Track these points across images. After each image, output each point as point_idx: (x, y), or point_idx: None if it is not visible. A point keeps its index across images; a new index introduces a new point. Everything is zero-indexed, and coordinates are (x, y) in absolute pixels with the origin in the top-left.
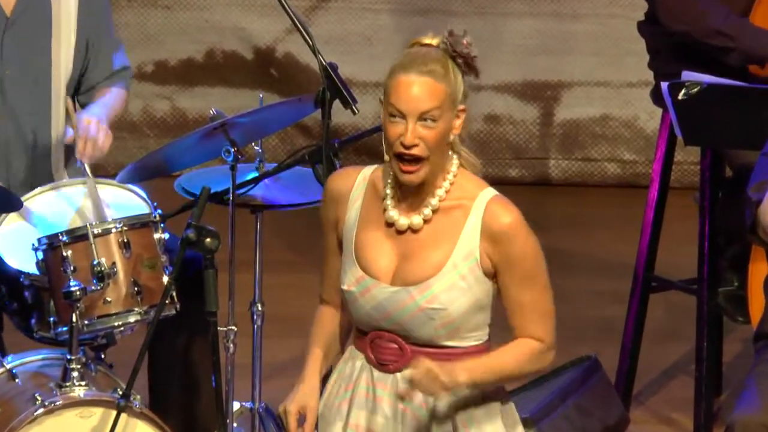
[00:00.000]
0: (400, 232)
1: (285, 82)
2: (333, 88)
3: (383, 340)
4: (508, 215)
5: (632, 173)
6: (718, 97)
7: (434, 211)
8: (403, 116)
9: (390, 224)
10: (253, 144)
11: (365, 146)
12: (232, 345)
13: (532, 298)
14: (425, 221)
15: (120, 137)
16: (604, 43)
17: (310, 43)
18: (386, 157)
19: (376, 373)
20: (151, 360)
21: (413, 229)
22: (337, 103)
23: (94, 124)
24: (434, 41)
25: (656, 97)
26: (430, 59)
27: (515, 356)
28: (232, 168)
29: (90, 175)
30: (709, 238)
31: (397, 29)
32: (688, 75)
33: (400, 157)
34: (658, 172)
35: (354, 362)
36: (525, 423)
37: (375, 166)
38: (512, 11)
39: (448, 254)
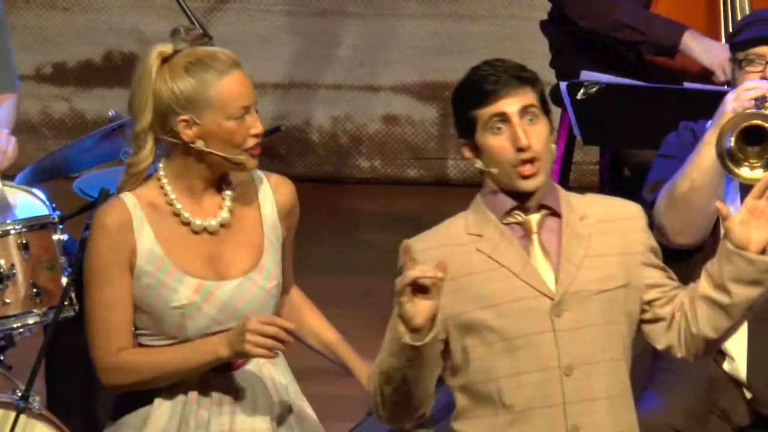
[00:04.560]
0: (212, 233)
1: None
2: None
3: None
4: (289, 183)
5: None
6: (616, 96)
7: (233, 200)
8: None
9: (198, 231)
10: None
11: (263, 147)
12: None
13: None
14: (231, 212)
15: (18, 139)
16: (503, 43)
17: (208, 44)
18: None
19: (211, 381)
20: (49, 361)
21: (224, 225)
22: None
23: (4, 136)
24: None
25: (555, 96)
26: None
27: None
28: None
29: None
30: None
31: (295, 31)
32: (586, 75)
33: None
34: (557, 172)
35: (168, 403)
36: (424, 423)
37: (130, 192)
38: (410, 12)
39: (261, 233)
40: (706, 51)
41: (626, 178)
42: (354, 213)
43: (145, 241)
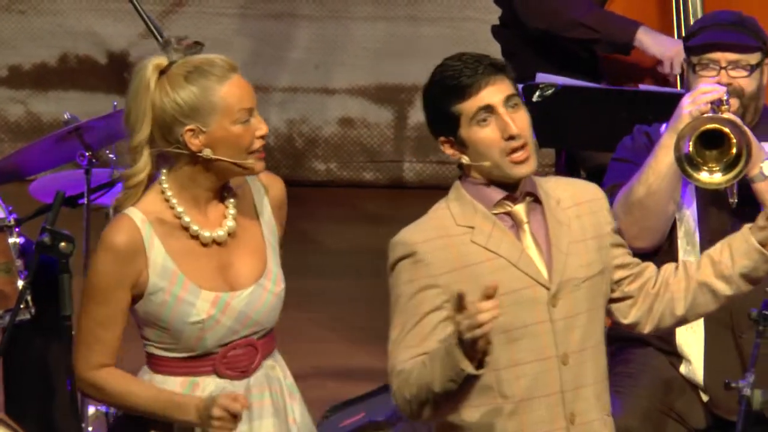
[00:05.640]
0: (220, 243)
1: None
2: None
3: (237, 350)
4: (278, 178)
5: None
6: (572, 98)
7: (235, 207)
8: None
9: (207, 243)
10: (106, 150)
11: None
12: None
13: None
14: (235, 220)
15: None
16: (458, 46)
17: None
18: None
19: (227, 389)
20: (6, 364)
21: (230, 234)
22: None
23: None
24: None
25: None
26: None
27: None
28: (87, 172)
29: None
30: None
31: (250, 33)
32: (542, 77)
33: None
34: None
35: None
36: (381, 426)
37: (134, 207)
38: (365, 15)
39: (261, 236)
40: (658, 44)
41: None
42: (311, 216)
43: (157, 257)
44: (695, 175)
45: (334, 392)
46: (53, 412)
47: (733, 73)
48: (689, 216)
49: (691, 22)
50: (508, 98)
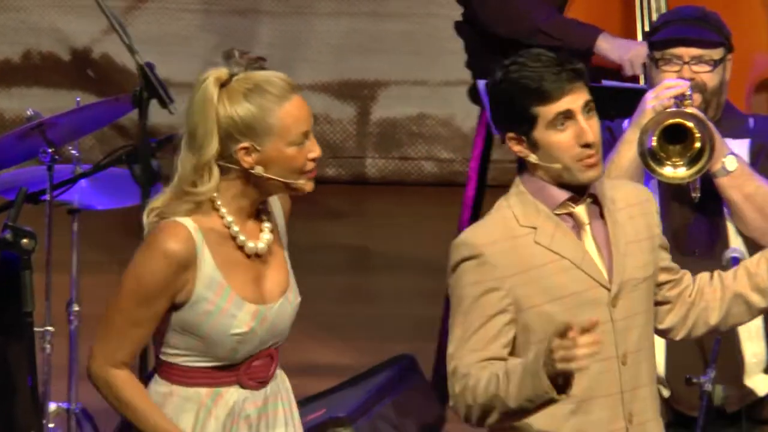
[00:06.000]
0: (259, 255)
1: (102, 82)
2: (150, 88)
3: (259, 359)
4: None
5: (449, 171)
6: None
7: (269, 220)
8: None
9: (250, 255)
10: (69, 146)
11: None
12: (48, 346)
13: None
14: (271, 233)
15: None
16: (422, 42)
17: (127, 43)
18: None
19: (248, 400)
20: None
21: (269, 245)
22: (154, 103)
23: None
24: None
25: (473, 95)
26: None
27: None
28: (49, 169)
29: None
30: None
31: (213, 29)
32: None
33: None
34: (475, 170)
35: (215, 412)
36: (342, 422)
37: (185, 217)
38: (328, 11)
39: (281, 248)
40: (617, 48)
41: None
42: None
43: (206, 267)
44: (659, 170)
45: (295, 388)
46: (14, 409)
47: (696, 68)
48: None
49: (655, 18)
50: (585, 104)
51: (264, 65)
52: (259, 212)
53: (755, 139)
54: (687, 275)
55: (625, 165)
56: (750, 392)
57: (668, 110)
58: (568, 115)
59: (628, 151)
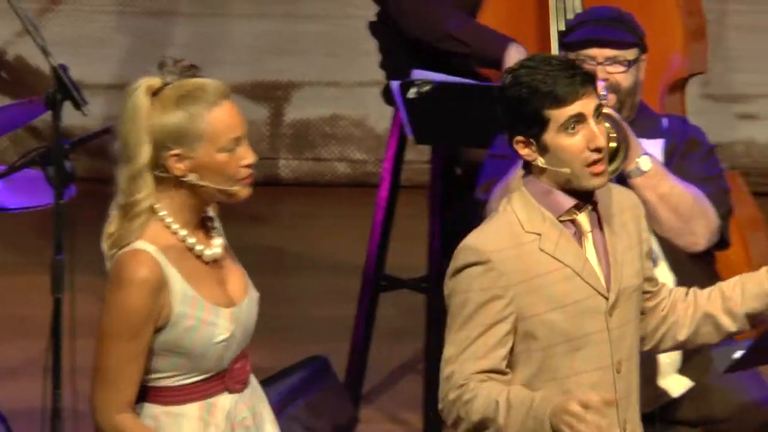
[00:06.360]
0: (216, 260)
1: (15, 84)
2: (64, 90)
3: (238, 362)
4: None
5: (363, 172)
6: (448, 95)
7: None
8: None
9: (208, 262)
10: None
11: (96, 147)
12: None
13: None
14: (220, 236)
15: None
16: (337, 43)
17: (41, 45)
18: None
19: (239, 403)
20: None
21: (222, 249)
22: (67, 105)
23: None
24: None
25: (387, 96)
26: None
27: None
28: None
29: None
30: (440, 236)
31: (128, 31)
32: (418, 73)
33: None
34: (388, 171)
35: (214, 422)
36: None
37: (141, 240)
38: (242, 12)
39: (227, 246)
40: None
41: (457, 177)
42: None
43: (176, 284)
44: None
45: None
46: None
47: (610, 68)
48: None
49: (570, 18)
50: (596, 109)
51: (197, 73)
52: (203, 219)
53: (669, 139)
54: (665, 287)
55: None
56: (663, 393)
57: None
58: (579, 119)
59: None
